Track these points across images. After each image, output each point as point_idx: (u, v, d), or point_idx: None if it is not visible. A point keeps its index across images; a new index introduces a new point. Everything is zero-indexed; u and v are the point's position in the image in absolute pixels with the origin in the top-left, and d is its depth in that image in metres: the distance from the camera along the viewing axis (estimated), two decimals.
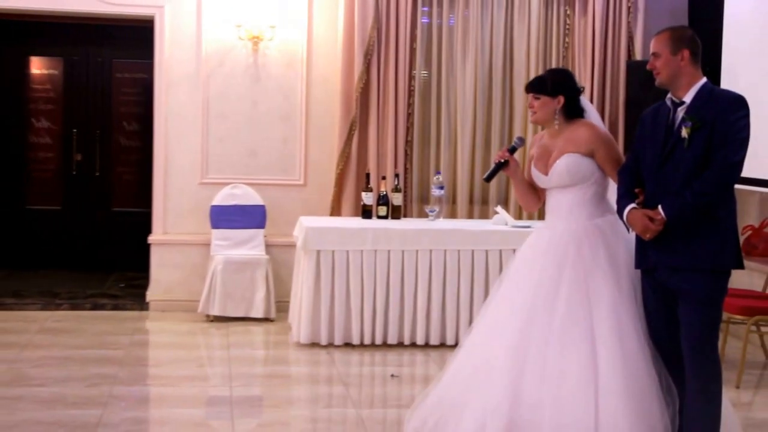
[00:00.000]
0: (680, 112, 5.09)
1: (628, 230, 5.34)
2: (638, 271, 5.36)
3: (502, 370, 5.27)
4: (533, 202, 5.79)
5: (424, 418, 5.55)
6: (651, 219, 5.07)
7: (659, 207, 5.06)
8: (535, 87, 5.61)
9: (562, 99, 5.55)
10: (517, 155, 5.59)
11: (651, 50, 5.18)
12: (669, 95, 5.20)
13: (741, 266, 5.16)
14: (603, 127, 5.69)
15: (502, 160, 5.52)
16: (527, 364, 5.27)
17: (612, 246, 5.44)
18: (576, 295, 5.31)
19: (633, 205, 5.18)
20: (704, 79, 5.14)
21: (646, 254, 5.22)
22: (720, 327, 5.26)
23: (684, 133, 5.02)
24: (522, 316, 5.36)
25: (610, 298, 5.34)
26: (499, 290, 5.66)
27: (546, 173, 5.51)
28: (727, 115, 4.96)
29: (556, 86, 5.57)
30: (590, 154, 5.47)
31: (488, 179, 5.66)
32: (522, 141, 5.68)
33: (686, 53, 5.11)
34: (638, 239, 5.22)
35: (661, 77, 5.14)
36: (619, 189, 5.38)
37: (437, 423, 5.44)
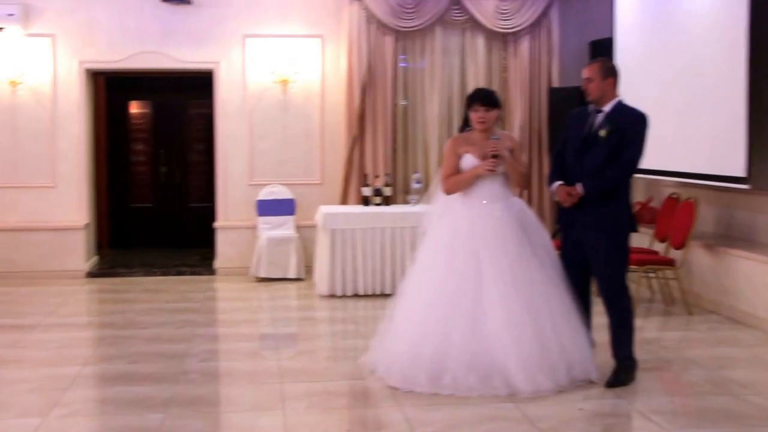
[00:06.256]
0: (600, 117, 5.12)
1: (552, 196, 5.35)
2: (542, 233, 5.37)
3: (495, 316, 4.96)
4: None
5: (411, 376, 5.01)
6: (570, 194, 5.11)
7: (578, 185, 5.09)
8: (490, 101, 5.28)
9: (499, 111, 5.39)
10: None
11: (585, 75, 5.14)
12: (592, 104, 5.19)
13: (635, 229, 5.21)
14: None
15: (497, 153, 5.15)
16: (513, 306, 4.98)
17: (526, 217, 5.32)
18: (522, 252, 5.14)
19: (560, 182, 5.22)
20: (619, 98, 5.16)
21: (564, 215, 5.27)
22: (627, 266, 5.29)
23: (602, 133, 5.06)
24: (492, 271, 5.03)
25: (542, 254, 5.25)
26: (448, 250, 5.18)
27: None
28: (634, 126, 5.02)
29: (498, 101, 5.39)
30: (512, 152, 5.33)
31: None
32: (497, 138, 5.23)
33: (612, 80, 5.13)
34: (560, 204, 5.27)
35: (592, 96, 5.14)
36: (551, 167, 5.43)
37: (423, 363, 5.00)
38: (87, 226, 9.47)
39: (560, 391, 4.94)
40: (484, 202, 5.25)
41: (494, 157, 5.15)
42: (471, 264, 5.08)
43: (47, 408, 4.79)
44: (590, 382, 5.10)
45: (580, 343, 5.12)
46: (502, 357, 4.91)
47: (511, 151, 5.32)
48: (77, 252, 9.32)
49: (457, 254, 5.14)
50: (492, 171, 5.18)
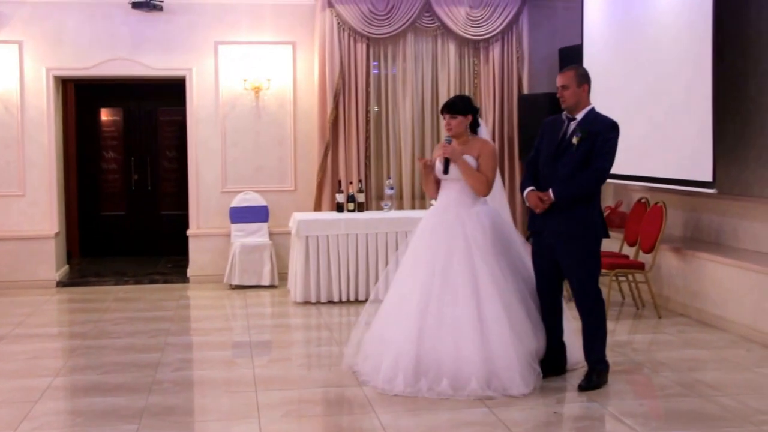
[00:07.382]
0: (573, 124, 5.14)
1: (524, 202, 5.36)
2: (512, 240, 5.40)
3: (410, 320, 5.12)
4: (435, 191, 5.56)
5: (362, 351, 5.52)
6: (541, 199, 5.12)
7: (550, 191, 5.10)
8: (453, 109, 5.43)
9: (470, 117, 5.47)
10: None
11: (559, 83, 5.16)
12: (565, 112, 5.20)
13: (607, 235, 5.22)
14: (491, 141, 5.59)
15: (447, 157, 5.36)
16: (429, 315, 5.10)
17: (486, 225, 5.30)
18: (463, 261, 5.17)
19: (532, 187, 5.22)
20: (592, 105, 5.18)
21: (536, 221, 5.27)
22: (599, 270, 5.28)
23: (574, 140, 5.08)
24: (424, 277, 5.20)
25: (489, 262, 5.19)
26: (407, 256, 5.47)
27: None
28: (606, 134, 5.04)
29: (466, 108, 5.47)
30: (477, 159, 5.39)
31: (446, 172, 5.38)
32: (451, 139, 5.45)
33: (586, 87, 5.16)
34: (531, 210, 5.26)
35: (567, 103, 5.16)
36: (524, 174, 5.44)
37: (368, 355, 5.40)
38: (57, 234, 9.36)
39: (427, 398, 4.94)
40: (432, 202, 5.55)
41: (446, 160, 5.37)
42: (406, 263, 5.42)
43: (16, 421, 4.70)
44: (511, 396, 4.95)
45: (497, 357, 5.00)
46: (380, 351, 5.22)
47: (477, 157, 5.37)
48: (47, 261, 9.20)
49: (412, 260, 5.44)
50: (434, 173, 5.48)
